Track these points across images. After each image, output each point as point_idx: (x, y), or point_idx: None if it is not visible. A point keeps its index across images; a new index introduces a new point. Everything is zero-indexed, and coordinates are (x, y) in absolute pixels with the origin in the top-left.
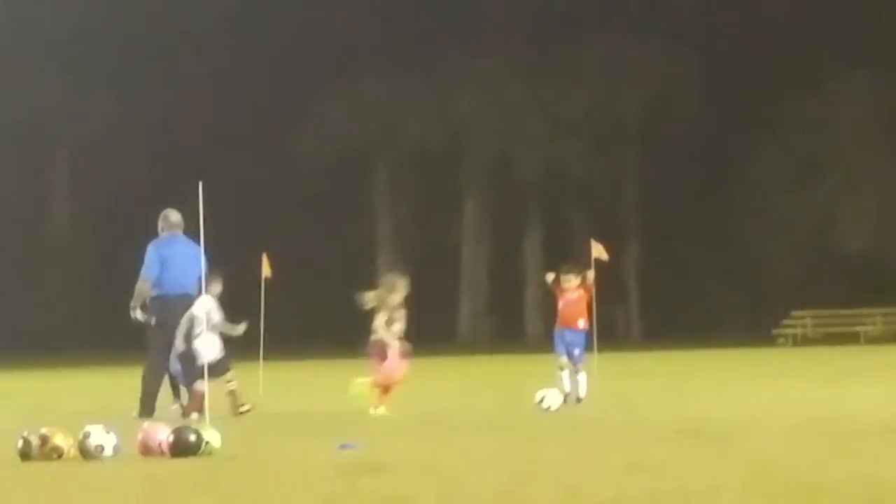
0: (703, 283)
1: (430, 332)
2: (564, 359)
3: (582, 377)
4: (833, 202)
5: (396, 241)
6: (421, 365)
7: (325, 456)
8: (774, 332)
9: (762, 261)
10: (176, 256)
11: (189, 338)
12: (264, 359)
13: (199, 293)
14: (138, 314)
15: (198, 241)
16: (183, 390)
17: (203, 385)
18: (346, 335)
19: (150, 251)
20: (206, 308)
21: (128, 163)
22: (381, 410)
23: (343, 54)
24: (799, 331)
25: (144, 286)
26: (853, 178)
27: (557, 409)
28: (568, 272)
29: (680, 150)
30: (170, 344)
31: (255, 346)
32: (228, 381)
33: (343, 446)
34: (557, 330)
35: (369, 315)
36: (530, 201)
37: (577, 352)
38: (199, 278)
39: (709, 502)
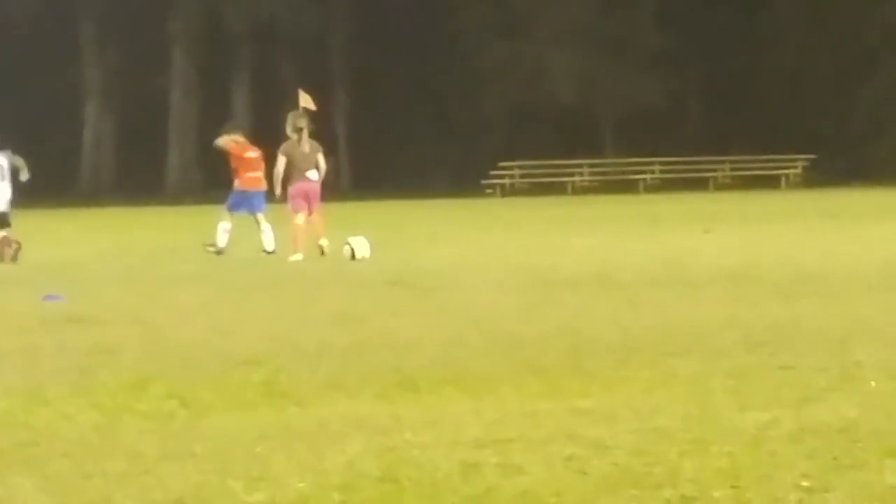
0: (412, 133)
1: (137, 184)
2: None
3: (266, 228)
4: (541, 53)
5: (104, 92)
6: (129, 215)
7: (30, 307)
8: (483, 182)
9: (471, 111)
10: None
11: None
12: None
13: None
14: None
15: None
16: None
17: None
18: (56, 185)
19: None
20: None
21: None
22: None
23: None
24: (507, 181)
25: None
26: (562, 29)
27: (366, 256)
28: (233, 130)
29: (389, 1)
30: None
31: None
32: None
33: (48, 297)
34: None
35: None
36: (239, 52)
37: (255, 202)
38: None
39: (414, 352)
